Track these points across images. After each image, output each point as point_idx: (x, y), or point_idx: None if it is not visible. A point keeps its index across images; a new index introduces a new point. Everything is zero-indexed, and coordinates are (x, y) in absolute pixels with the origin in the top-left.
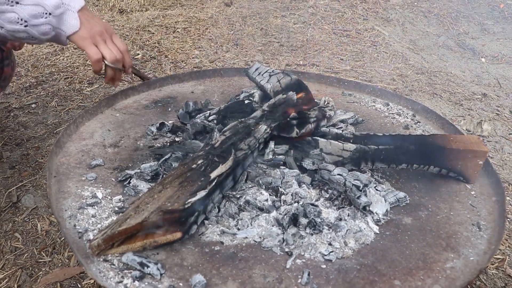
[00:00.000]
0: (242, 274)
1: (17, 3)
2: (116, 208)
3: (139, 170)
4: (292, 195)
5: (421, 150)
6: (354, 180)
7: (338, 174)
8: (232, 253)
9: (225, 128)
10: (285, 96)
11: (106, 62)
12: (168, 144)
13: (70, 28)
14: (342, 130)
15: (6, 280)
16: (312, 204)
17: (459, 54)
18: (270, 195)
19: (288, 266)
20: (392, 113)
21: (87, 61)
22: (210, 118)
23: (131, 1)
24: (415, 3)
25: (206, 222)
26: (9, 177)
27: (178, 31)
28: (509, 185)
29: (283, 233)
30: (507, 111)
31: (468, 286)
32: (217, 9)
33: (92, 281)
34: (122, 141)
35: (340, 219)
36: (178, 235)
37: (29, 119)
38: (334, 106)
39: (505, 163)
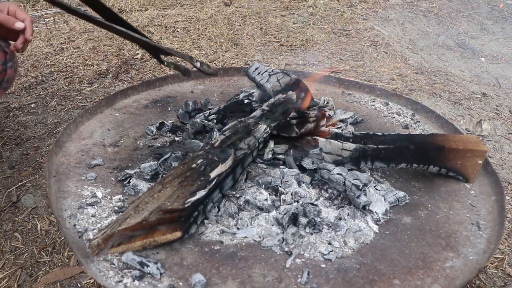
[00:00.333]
0: (241, 273)
1: None
2: (116, 208)
3: (138, 170)
4: (291, 194)
5: (421, 150)
6: (354, 179)
7: (338, 174)
8: (231, 252)
9: (225, 128)
10: (284, 95)
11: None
12: (167, 143)
13: None
14: (342, 130)
15: (6, 279)
16: (312, 204)
17: (459, 54)
18: (269, 194)
19: (287, 266)
20: (392, 113)
21: (86, 61)
22: (210, 117)
23: (131, 1)
24: (415, 3)
25: (205, 221)
26: (8, 177)
27: (177, 31)
28: (508, 185)
29: (283, 233)
30: (506, 110)
31: (468, 285)
32: (216, 8)
33: (92, 280)
34: (122, 140)
35: (340, 219)
36: (178, 234)
37: (28, 119)
38: (334, 106)
39: (505, 163)
